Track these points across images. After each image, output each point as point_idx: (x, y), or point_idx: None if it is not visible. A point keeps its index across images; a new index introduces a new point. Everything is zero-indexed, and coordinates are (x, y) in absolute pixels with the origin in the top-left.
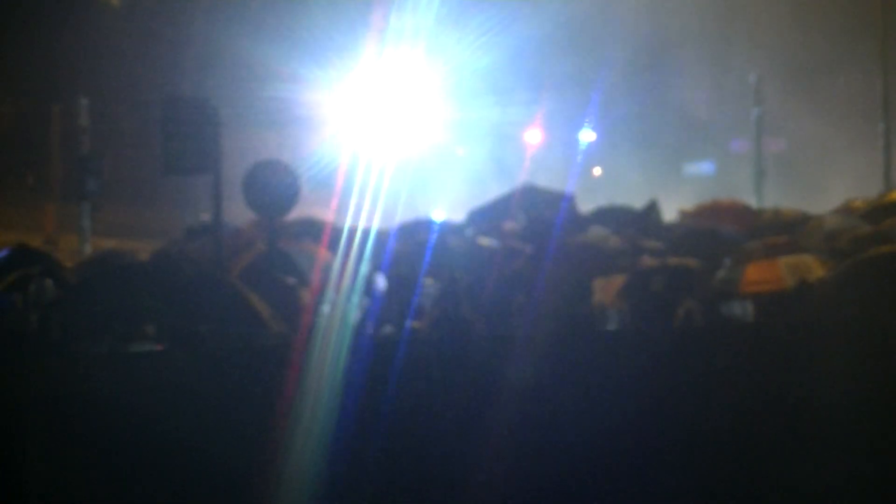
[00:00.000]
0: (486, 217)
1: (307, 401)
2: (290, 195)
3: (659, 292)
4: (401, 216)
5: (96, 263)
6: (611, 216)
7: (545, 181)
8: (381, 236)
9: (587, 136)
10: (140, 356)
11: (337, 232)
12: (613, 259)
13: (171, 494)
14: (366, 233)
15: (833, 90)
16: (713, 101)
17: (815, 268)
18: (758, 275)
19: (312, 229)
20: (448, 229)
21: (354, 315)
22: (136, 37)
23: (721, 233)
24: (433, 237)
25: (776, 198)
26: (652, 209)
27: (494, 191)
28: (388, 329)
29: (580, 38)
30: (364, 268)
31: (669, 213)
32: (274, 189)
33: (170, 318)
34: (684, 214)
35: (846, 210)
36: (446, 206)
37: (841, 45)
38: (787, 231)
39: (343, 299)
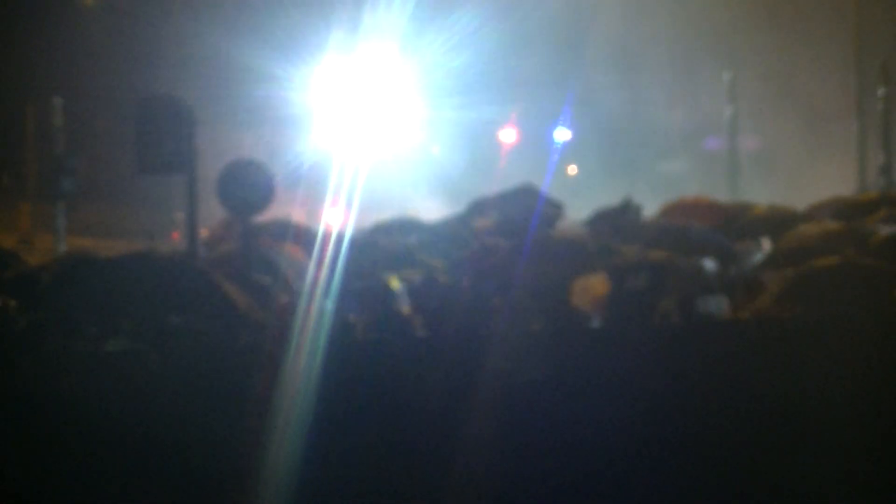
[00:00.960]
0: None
1: (282, 399)
2: (264, 194)
3: (640, 290)
4: (374, 216)
5: (69, 262)
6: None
7: (519, 180)
8: (356, 237)
9: (562, 134)
10: (113, 355)
11: (310, 232)
12: (589, 256)
13: (146, 492)
14: (340, 233)
15: (808, 89)
16: (687, 99)
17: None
18: None
19: (286, 230)
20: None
21: (329, 316)
22: (110, 35)
23: (693, 230)
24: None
25: (751, 196)
26: (627, 207)
27: (468, 190)
28: (363, 330)
29: (555, 37)
30: (338, 269)
31: (646, 212)
32: (248, 188)
33: (145, 314)
34: (663, 213)
35: (829, 206)
36: (421, 205)
37: (815, 44)
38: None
39: (318, 300)
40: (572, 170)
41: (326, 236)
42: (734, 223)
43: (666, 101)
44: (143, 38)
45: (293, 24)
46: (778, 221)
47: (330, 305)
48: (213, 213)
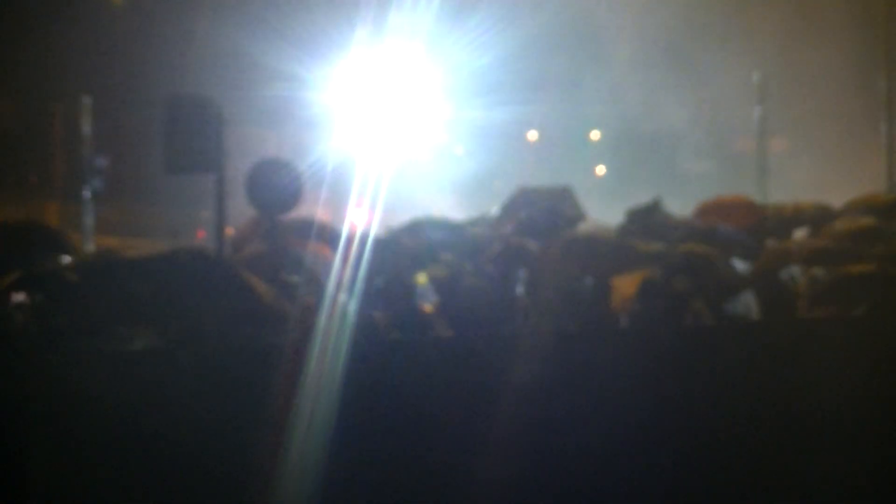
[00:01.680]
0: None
1: (306, 401)
2: (293, 194)
3: (677, 290)
4: (399, 216)
5: (97, 261)
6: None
7: (548, 180)
8: (381, 237)
9: (591, 134)
10: (139, 355)
11: (335, 231)
12: (617, 255)
13: (169, 494)
14: (365, 232)
15: (836, 89)
16: (716, 99)
17: None
18: None
19: (312, 229)
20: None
21: (354, 316)
22: (138, 34)
23: (721, 230)
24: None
25: (779, 197)
26: (655, 207)
27: (495, 190)
28: (391, 331)
29: (583, 36)
30: (362, 267)
31: (675, 212)
32: (277, 187)
33: (172, 314)
34: (698, 213)
35: (865, 203)
36: (446, 206)
37: (844, 44)
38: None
39: (344, 300)
40: (601, 170)
41: (351, 235)
42: (769, 223)
43: (694, 101)
44: (171, 37)
45: (317, 22)
46: (815, 218)
47: (353, 304)
48: (240, 212)
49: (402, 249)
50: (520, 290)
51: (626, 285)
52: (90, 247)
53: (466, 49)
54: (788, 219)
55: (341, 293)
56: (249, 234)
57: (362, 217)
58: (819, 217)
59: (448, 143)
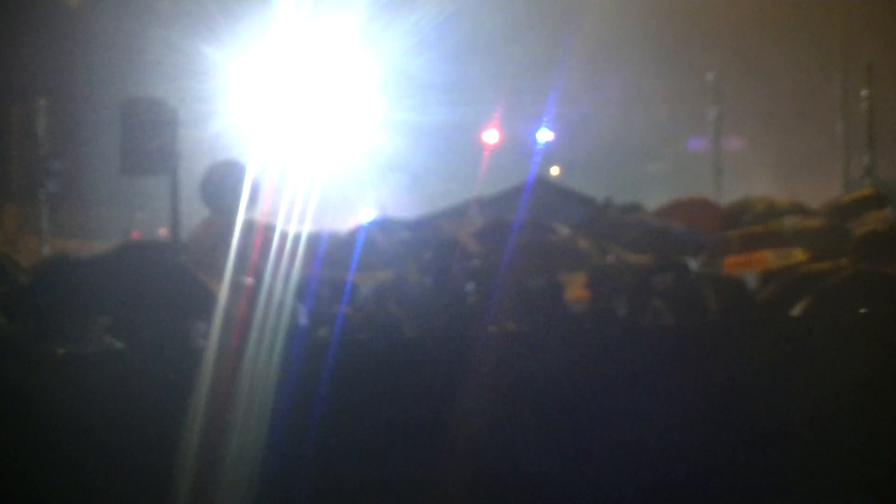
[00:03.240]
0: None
1: (244, 402)
2: (250, 194)
3: (629, 290)
4: (339, 220)
5: (51, 263)
6: (567, 211)
7: (501, 182)
8: (313, 238)
9: (544, 135)
10: (92, 356)
11: (269, 233)
12: (579, 259)
13: (130, 494)
14: (298, 234)
15: (792, 90)
16: (671, 99)
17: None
18: (738, 265)
19: (252, 229)
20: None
21: (287, 316)
22: (94, 37)
23: (675, 231)
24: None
25: (735, 196)
26: (608, 206)
27: (450, 192)
28: (323, 331)
29: (536, 35)
30: (296, 269)
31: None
32: (232, 188)
33: (127, 313)
34: (659, 213)
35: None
36: (391, 207)
37: (800, 44)
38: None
39: (277, 300)
40: (555, 170)
41: (294, 237)
42: (733, 222)
43: (650, 101)
44: (127, 39)
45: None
46: (770, 216)
47: (292, 304)
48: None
49: (349, 250)
50: (468, 288)
51: (576, 285)
52: (48, 250)
53: (413, 47)
54: (761, 213)
55: (280, 293)
56: (204, 235)
57: (295, 220)
58: (774, 214)
59: (402, 143)
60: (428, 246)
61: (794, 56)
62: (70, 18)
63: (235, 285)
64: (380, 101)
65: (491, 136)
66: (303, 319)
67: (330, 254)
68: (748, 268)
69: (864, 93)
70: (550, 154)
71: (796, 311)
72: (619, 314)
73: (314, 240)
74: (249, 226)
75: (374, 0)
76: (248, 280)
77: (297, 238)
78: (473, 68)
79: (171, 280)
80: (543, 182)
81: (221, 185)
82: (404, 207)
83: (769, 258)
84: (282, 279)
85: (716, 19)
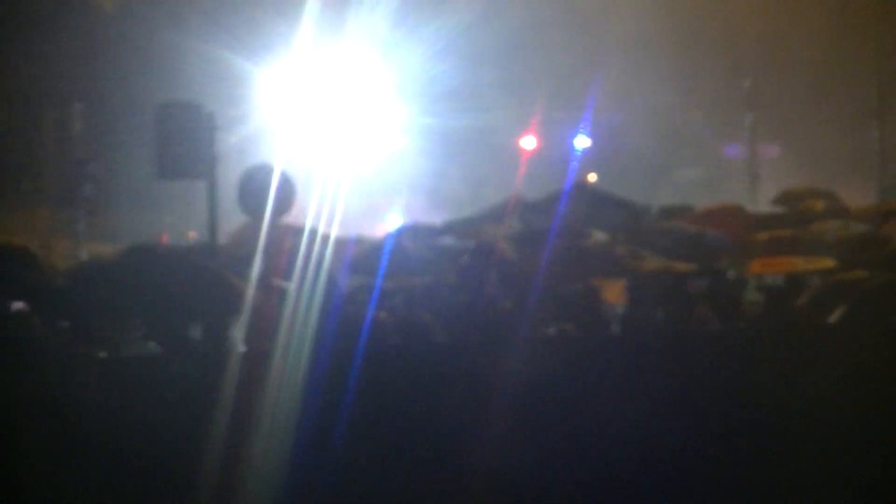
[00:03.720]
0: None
1: (273, 407)
2: (286, 198)
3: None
4: (367, 226)
5: (84, 266)
6: (604, 217)
7: (537, 188)
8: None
9: (581, 142)
10: (129, 361)
11: (300, 237)
12: (615, 265)
13: (156, 496)
14: (327, 238)
15: (827, 96)
16: (706, 106)
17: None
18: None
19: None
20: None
21: (318, 319)
22: (129, 40)
23: (710, 238)
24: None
25: (770, 205)
26: (645, 212)
27: (473, 198)
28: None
29: (569, 40)
30: (324, 275)
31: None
32: (268, 192)
33: (160, 318)
34: (693, 220)
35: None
36: (420, 213)
37: (835, 50)
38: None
39: (304, 306)
40: (592, 177)
41: (324, 240)
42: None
43: (685, 107)
44: (163, 43)
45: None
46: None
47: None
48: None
49: (382, 255)
50: (498, 294)
51: (610, 291)
52: (83, 254)
53: (440, 52)
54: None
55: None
56: (242, 239)
57: (326, 225)
58: (832, 215)
59: (433, 152)
60: (462, 251)
61: (829, 61)
62: (105, 23)
63: (270, 288)
64: (405, 106)
65: (529, 142)
66: (333, 322)
67: (361, 259)
68: (774, 269)
69: None
70: (587, 160)
71: (832, 318)
72: (657, 319)
73: (344, 244)
74: (284, 230)
75: (400, 6)
76: (284, 283)
77: (326, 242)
78: (505, 73)
79: (203, 284)
80: (581, 187)
81: (260, 189)
82: (433, 213)
83: (797, 263)
84: (313, 283)
85: (751, 24)
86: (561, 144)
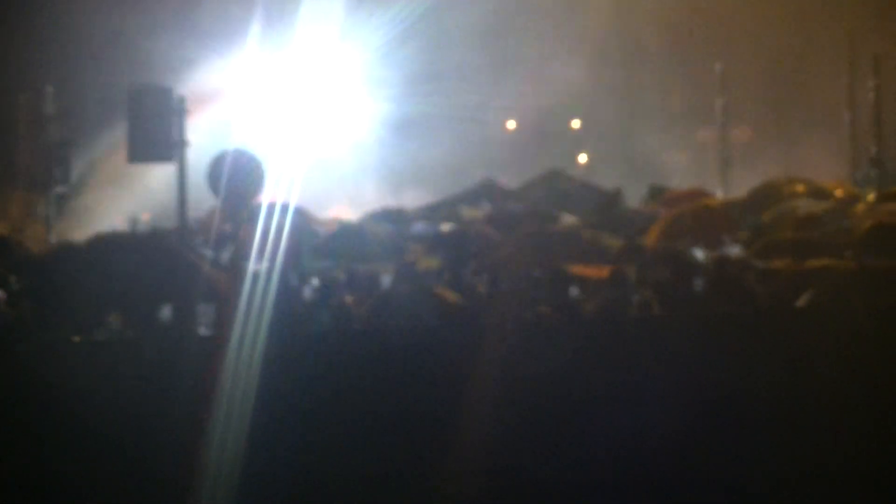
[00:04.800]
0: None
1: (238, 390)
2: (255, 182)
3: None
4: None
5: (60, 251)
6: (576, 202)
7: (528, 169)
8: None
9: (572, 123)
10: (102, 345)
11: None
12: (586, 250)
13: (136, 483)
14: (300, 223)
15: (799, 80)
16: (681, 89)
17: None
18: None
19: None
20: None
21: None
22: (102, 24)
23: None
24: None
25: (742, 187)
26: (616, 197)
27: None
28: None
29: (553, 28)
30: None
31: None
32: (240, 177)
33: (131, 302)
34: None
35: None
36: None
37: (808, 35)
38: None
39: (279, 287)
40: (583, 159)
41: (296, 225)
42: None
43: (662, 91)
44: (134, 29)
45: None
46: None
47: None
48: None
49: (364, 238)
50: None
51: (590, 275)
52: (55, 237)
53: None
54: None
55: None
56: (212, 222)
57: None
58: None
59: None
60: (435, 237)
61: (802, 46)
62: (77, 7)
63: (240, 272)
64: (382, 89)
65: (512, 125)
66: (294, 307)
67: (332, 243)
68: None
69: (870, 83)
70: (577, 142)
71: (800, 302)
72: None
73: (313, 228)
74: (255, 213)
75: None
76: (253, 266)
77: (298, 227)
78: (485, 56)
79: (173, 268)
80: (557, 174)
81: (230, 173)
82: (413, 197)
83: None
84: (284, 266)
85: (725, 8)
86: (543, 127)
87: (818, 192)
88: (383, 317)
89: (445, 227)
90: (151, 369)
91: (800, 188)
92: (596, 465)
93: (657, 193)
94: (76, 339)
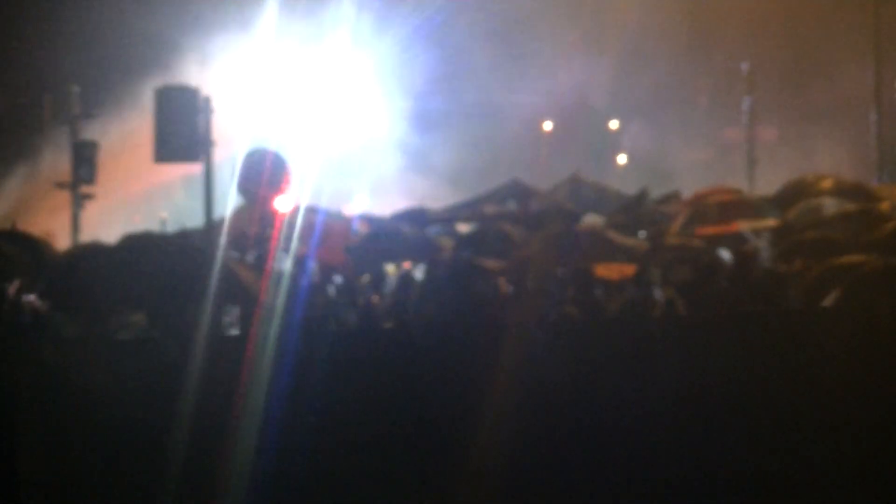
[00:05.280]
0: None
1: (255, 393)
2: (280, 181)
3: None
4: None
5: (83, 250)
6: (602, 204)
7: (565, 170)
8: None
9: (611, 123)
10: (128, 344)
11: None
12: (613, 250)
13: (160, 482)
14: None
15: (826, 79)
16: (706, 89)
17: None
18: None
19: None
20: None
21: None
22: (127, 25)
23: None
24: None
25: (768, 186)
26: (643, 197)
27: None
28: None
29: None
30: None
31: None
32: (265, 175)
33: (158, 302)
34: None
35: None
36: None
37: (834, 35)
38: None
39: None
40: (622, 159)
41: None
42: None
43: (690, 92)
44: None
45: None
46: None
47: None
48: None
49: (392, 237)
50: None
51: (611, 274)
52: (81, 236)
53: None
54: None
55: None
56: (243, 223)
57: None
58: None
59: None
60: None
61: (828, 46)
62: (102, 7)
63: (266, 271)
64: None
65: (550, 125)
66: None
67: (358, 242)
68: (720, 231)
69: None
70: (615, 142)
71: (827, 302)
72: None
73: (340, 227)
74: (282, 213)
75: None
76: (280, 266)
77: (324, 224)
78: (520, 57)
79: (201, 268)
80: (578, 180)
81: (258, 172)
82: (448, 195)
83: (741, 224)
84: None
85: (751, 6)
86: (579, 127)
87: (846, 190)
88: (422, 306)
89: (463, 228)
90: (178, 369)
91: (827, 184)
92: (617, 466)
93: (673, 198)
94: (103, 338)
